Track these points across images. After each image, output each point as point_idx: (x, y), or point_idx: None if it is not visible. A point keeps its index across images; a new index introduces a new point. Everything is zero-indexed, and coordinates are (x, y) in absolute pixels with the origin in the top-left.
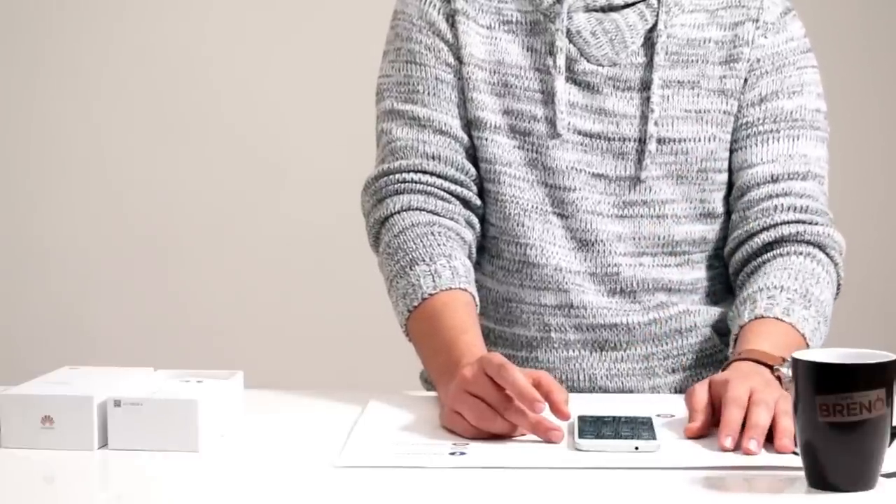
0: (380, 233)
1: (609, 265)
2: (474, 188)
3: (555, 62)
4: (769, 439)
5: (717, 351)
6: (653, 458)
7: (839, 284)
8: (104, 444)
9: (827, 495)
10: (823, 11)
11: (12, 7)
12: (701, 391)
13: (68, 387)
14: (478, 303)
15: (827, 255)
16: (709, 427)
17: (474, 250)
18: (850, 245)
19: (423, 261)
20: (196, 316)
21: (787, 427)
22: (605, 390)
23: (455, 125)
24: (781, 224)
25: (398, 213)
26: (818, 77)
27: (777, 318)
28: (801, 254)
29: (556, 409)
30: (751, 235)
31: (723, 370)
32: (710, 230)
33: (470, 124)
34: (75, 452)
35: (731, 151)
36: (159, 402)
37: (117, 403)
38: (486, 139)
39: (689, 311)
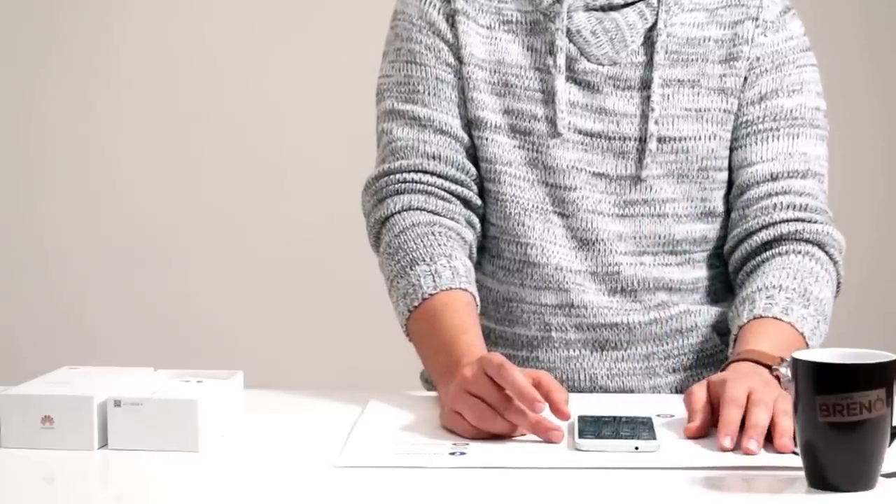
0: (380, 233)
1: (610, 264)
2: (475, 188)
3: (555, 61)
4: (768, 439)
5: (717, 351)
6: (653, 458)
7: (839, 283)
8: (104, 444)
9: (827, 495)
10: (823, 10)
11: (13, 6)
12: (699, 391)
13: (68, 387)
14: (478, 303)
15: (826, 253)
16: (708, 427)
17: (475, 250)
18: (850, 245)
19: (424, 261)
20: (196, 316)
21: (787, 426)
22: (606, 390)
23: (455, 125)
24: (780, 222)
25: (399, 212)
26: (818, 75)
27: (776, 318)
28: (799, 252)
29: (556, 409)
30: (750, 234)
31: (721, 371)
32: (711, 229)
33: (470, 124)
34: (75, 452)
35: (731, 150)
36: (159, 402)
37: (117, 403)
38: (487, 139)
39: (690, 311)
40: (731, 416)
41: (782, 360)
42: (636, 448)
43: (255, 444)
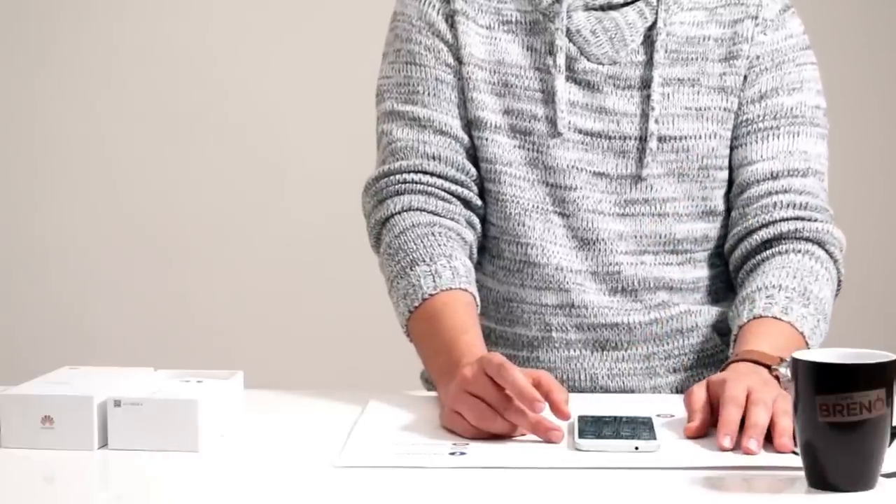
0: (381, 234)
1: (610, 264)
2: (475, 188)
3: (555, 61)
4: (768, 439)
5: (718, 351)
6: (653, 458)
7: (840, 281)
8: (104, 444)
9: (827, 495)
10: (822, 9)
11: (13, 6)
12: (699, 391)
13: (68, 387)
14: (478, 303)
15: (826, 251)
16: (708, 427)
17: (475, 250)
18: (850, 244)
19: (424, 261)
20: (196, 316)
21: (786, 426)
22: (607, 390)
23: (455, 125)
24: (780, 221)
25: (399, 213)
26: (817, 74)
27: (776, 318)
28: (799, 251)
29: (556, 409)
30: (750, 232)
31: (721, 371)
32: (712, 228)
33: (470, 124)
34: (75, 452)
35: (732, 148)
36: (159, 402)
37: (117, 403)
38: (487, 139)
39: (691, 311)
40: (730, 416)
41: (782, 360)
42: (636, 448)
43: (255, 444)
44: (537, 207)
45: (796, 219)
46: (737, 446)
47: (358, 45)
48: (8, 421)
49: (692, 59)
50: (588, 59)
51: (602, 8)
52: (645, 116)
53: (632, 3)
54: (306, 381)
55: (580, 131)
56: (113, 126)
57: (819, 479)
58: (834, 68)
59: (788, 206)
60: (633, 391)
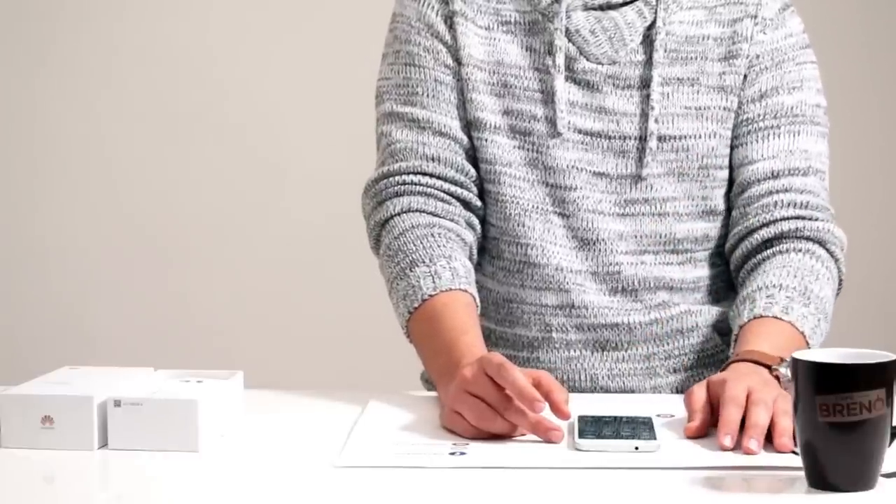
0: (380, 235)
1: (610, 264)
2: (474, 189)
3: (554, 61)
4: (768, 438)
5: (718, 351)
6: (653, 458)
7: (841, 280)
8: (104, 444)
9: (827, 495)
10: (822, 9)
11: (13, 6)
12: (699, 391)
13: (68, 387)
14: (478, 303)
15: (827, 250)
16: (708, 427)
17: (475, 251)
18: (851, 244)
19: (423, 262)
20: (196, 316)
21: (786, 426)
22: (607, 390)
23: (455, 126)
24: (781, 220)
25: (398, 215)
26: (817, 72)
27: (776, 317)
28: (800, 251)
29: (556, 409)
30: (750, 232)
31: (721, 371)
32: (712, 228)
33: (470, 125)
34: (75, 452)
35: (732, 148)
36: (159, 402)
37: (117, 403)
38: (486, 140)
39: (691, 311)
40: (731, 416)
41: (782, 360)
42: (636, 448)
43: (255, 444)
44: (537, 208)
45: (797, 218)
46: (737, 446)
47: (358, 46)
48: (8, 421)
49: (691, 58)
50: (587, 59)
51: (601, 7)
52: (644, 116)
53: (631, 2)
54: (306, 381)
55: (580, 131)
56: (113, 126)
57: (819, 479)
58: (834, 68)
59: (789, 205)
60: (633, 391)
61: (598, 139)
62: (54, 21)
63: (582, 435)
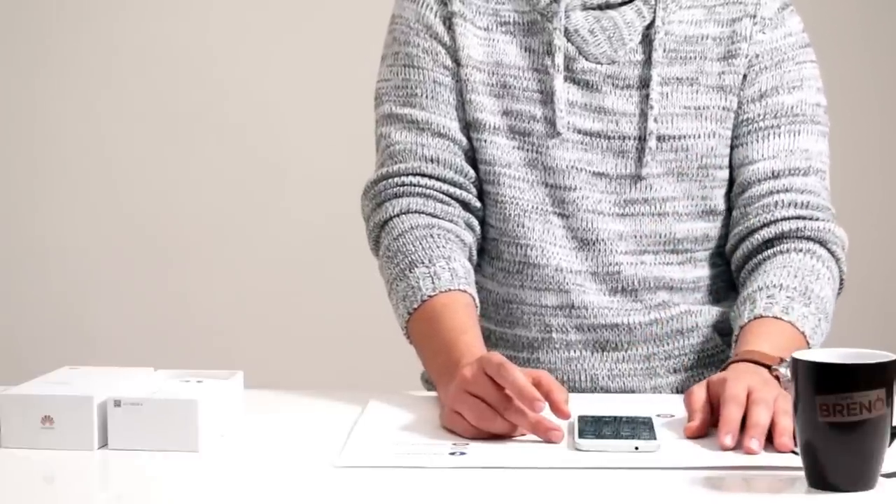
0: (380, 236)
1: (610, 264)
2: (473, 190)
3: (553, 61)
4: (768, 438)
5: (718, 351)
6: (653, 458)
7: (842, 280)
8: (104, 444)
9: (827, 495)
10: (822, 8)
11: (13, 6)
12: (699, 391)
13: (68, 387)
14: (478, 304)
15: (828, 250)
16: (708, 426)
17: (475, 252)
18: (851, 244)
19: (423, 263)
20: (196, 316)
21: (787, 425)
22: (607, 390)
23: (454, 128)
24: (782, 220)
25: (397, 216)
26: (817, 72)
27: (776, 318)
28: (801, 250)
29: (556, 409)
30: (751, 232)
31: (721, 371)
32: (712, 227)
33: (469, 126)
34: (75, 452)
35: (732, 148)
36: (159, 402)
37: (117, 403)
38: (486, 141)
39: (691, 312)
40: (731, 415)
41: (781, 360)
42: (636, 448)
43: (255, 444)
44: (537, 208)
45: (798, 218)
46: (738, 445)
47: (358, 46)
48: (8, 421)
49: (691, 58)
50: (586, 59)
51: (600, 7)
52: (644, 116)
53: (629, 1)
54: (306, 381)
55: (579, 131)
56: (113, 126)
57: (819, 479)
58: (834, 68)
59: (790, 205)
60: (633, 392)
61: (598, 139)
62: (54, 21)
63: (582, 435)
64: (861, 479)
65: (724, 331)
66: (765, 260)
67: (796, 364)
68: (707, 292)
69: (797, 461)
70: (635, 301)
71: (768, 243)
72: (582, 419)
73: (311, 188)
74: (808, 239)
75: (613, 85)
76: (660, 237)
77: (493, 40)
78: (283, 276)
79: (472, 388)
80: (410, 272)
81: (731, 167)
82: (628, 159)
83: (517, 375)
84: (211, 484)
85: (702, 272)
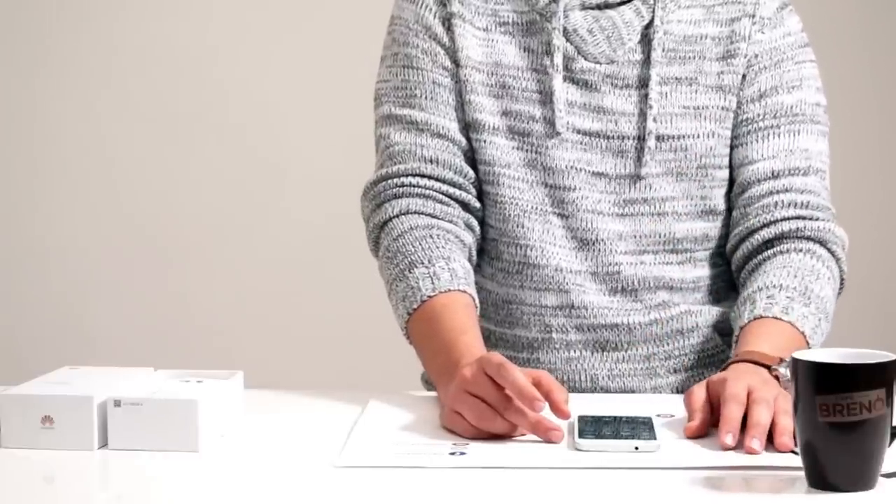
0: (379, 237)
1: (610, 264)
2: (473, 191)
3: (552, 61)
4: (768, 438)
5: (718, 351)
6: (653, 458)
7: (842, 280)
8: (104, 444)
9: (827, 495)
10: (822, 8)
11: (13, 6)
12: (699, 391)
13: (68, 387)
14: (477, 304)
15: (828, 250)
16: (708, 426)
17: (474, 253)
18: (851, 244)
19: (422, 263)
20: (196, 316)
21: (787, 425)
22: (607, 391)
23: (453, 128)
24: (782, 220)
25: (397, 216)
26: (817, 71)
27: (776, 318)
28: (801, 251)
29: (556, 409)
30: (751, 232)
31: (721, 371)
32: (712, 227)
33: (468, 127)
34: (75, 452)
35: (732, 148)
36: (159, 402)
37: (117, 403)
38: (485, 141)
39: (691, 312)
40: (732, 414)
41: (781, 360)
42: (636, 448)
43: (255, 444)
44: (536, 209)
45: (798, 218)
46: (738, 445)
47: (358, 46)
48: (8, 421)
49: (690, 57)
50: (585, 59)
51: (599, 7)
52: (643, 115)
53: (628, 1)
54: (306, 381)
55: (578, 131)
56: (113, 126)
57: (819, 479)
58: (833, 68)
59: (790, 205)
60: (633, 392)
61: (597, 139)
62: (54, 21)
63: (582, 435)
64: (861, 479)
65: (724, 331)
66: (765, 260)
67: (796, 364)
68: (707, 292)
69: (797, 461)
70: (635, 301)
71: (768, 243)
72: (582, 419)
73: (311, 188)
74: (809, 239)
75: (612, 85)
76: (659, 237)
77: (492, 41)
78: (283, 276)
79: (471, 388)
80: (410, 273)
81: (730, 167)
82: (627, 159)
83: (517, 375)
84: (211, 484)
85: (702, 272)
